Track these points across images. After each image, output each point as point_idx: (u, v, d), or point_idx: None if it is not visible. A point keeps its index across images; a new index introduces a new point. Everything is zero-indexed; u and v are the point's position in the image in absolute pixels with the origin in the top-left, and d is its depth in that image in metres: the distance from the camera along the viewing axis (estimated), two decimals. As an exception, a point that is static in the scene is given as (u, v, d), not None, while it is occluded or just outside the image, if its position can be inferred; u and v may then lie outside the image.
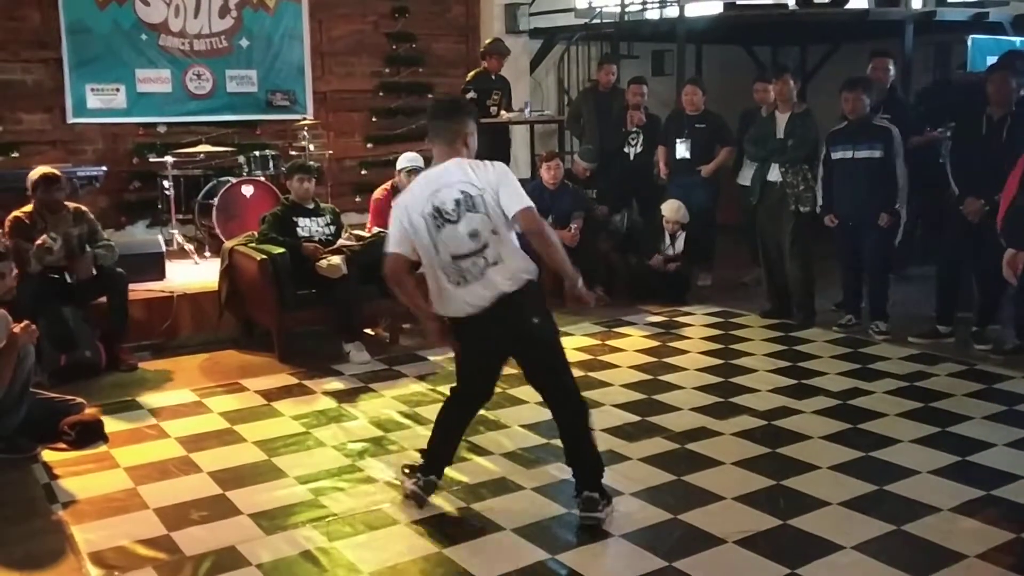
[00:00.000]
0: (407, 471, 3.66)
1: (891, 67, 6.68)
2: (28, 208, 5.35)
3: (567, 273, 3.37)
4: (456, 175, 3.34)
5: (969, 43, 7.80)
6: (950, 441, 4.21)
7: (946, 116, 6.08)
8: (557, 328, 3.53)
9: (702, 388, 5.02)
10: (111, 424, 4.48)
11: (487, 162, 3.41)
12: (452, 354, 5.57)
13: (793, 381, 5.13)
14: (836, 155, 5.98)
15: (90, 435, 4.29)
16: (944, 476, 3.83)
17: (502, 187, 3.31)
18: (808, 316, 6.37)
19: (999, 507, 3.53)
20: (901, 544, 3.26)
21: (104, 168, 7.23)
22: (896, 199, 5.84)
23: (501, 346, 3.46)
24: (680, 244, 7.13)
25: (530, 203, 3.31)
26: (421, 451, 3.74)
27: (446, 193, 3.30)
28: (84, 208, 5.59)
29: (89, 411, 4.48)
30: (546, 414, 4.57)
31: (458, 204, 3.28)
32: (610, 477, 3.84)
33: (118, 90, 7.98)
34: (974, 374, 5.21)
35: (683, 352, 5.74)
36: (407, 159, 6.54)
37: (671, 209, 7.14)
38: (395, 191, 6.61)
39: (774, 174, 6.33)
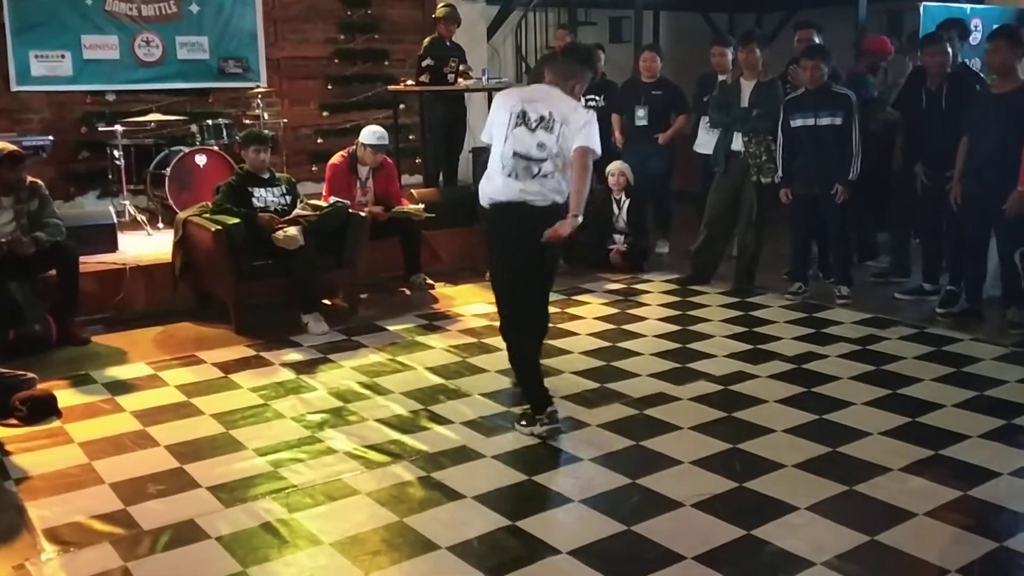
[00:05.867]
0: (523, 423, 4.02)
1: (816, 38, 6.62)
2: None
3: (573, 205, 3.85)
4: (552, 98, 3.96)
5: (921, 10, 7.87)
6: (901, 403, 4.31)
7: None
8: (556, 258, 4.16)
9: (660, 354, 5.07)
10: (64, 399, 4.40)
11: (582, 107, 4.01)
12: (412, 324, 5.64)
13: (749, 346, 5.20)
14: (796, 123, 5.92)
15: (42, 410, 4.22)
16: (895, 437, 3.92)
17: (581, 131, 3.86)
18: (747, 283, 6.42)
19: (947, 466, 3.63)
20: (853, 504, 3.34)
21: (51, 138, 7.02)
22: (852, 169, 5.80)
23: (507, 242, 3.98)
24: (625, 212, 7.12)
25: (590, 147, 3.85)
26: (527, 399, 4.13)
27: (538, 106, 3.92)
28: (39, 182, 5.43)
29: (41, 386, 4.40)
30: (505, 382, 4.63)
31: (540, 119, 3.90)
32: (570, 443, 3.89)
33: (63, 57, 7.75)
34: (924, 337, 5.33)
35: (641, 319, 5.78)
36: (374, 135, 6.38)
37: (615, 165, 7.14)
38: (352, 159, 6.53)
39: (737, 143, 6.21)
